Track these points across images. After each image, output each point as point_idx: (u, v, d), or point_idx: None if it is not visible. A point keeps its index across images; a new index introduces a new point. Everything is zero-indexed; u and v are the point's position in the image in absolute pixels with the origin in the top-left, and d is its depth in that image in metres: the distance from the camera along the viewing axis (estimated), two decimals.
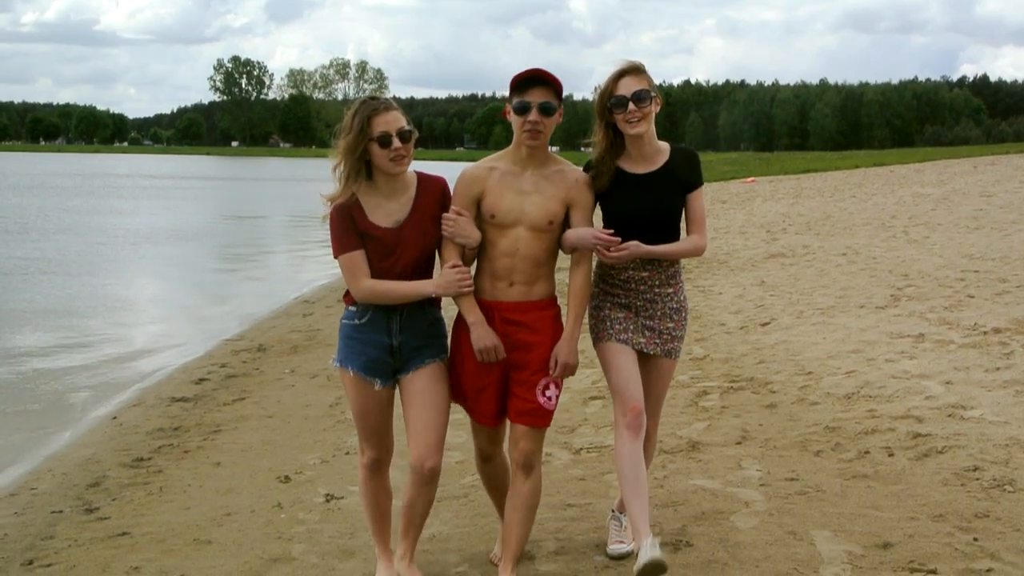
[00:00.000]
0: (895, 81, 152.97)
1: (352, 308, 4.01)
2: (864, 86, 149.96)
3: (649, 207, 4.05)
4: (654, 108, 4.00)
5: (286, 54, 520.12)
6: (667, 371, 4.25)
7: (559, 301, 4.13)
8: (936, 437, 5.82)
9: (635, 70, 3.98)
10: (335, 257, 3.95)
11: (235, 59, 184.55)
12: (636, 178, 4.07)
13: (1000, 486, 5.00)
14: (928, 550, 4.27)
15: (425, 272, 3.99)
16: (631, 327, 4.12)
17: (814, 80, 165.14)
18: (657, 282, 4.10)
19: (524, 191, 3.94)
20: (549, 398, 4.01)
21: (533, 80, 3.85)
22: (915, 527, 4.54)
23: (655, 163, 4.09)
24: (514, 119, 3.91)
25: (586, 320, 4.17)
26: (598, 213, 4.13)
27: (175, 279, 18.57)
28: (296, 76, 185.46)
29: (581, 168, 4.14)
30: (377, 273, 3.89)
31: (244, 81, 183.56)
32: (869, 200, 25.36)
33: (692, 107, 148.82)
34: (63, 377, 9.87)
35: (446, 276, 3.89)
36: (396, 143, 3.81)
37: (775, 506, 4.93)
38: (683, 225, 4.23)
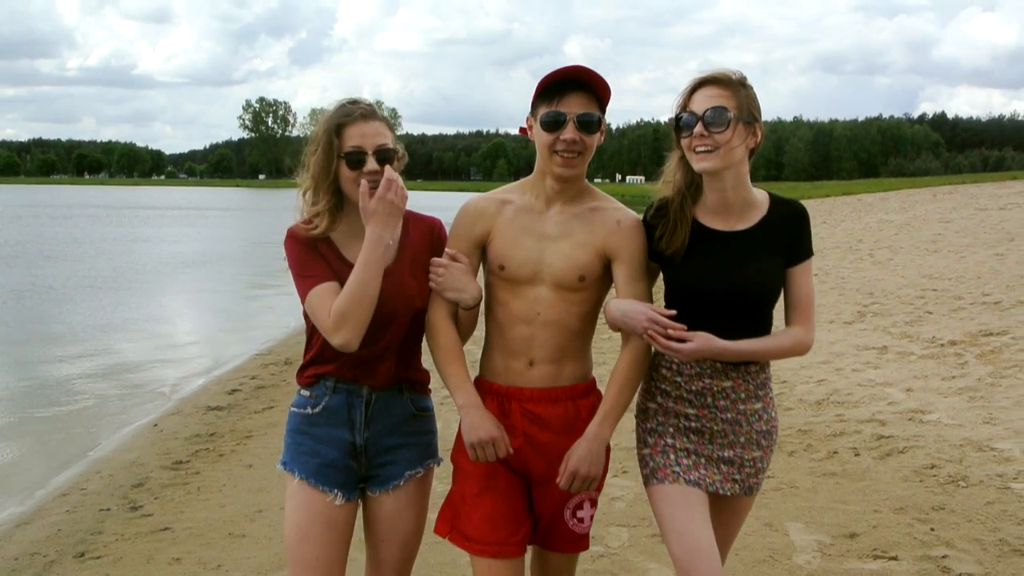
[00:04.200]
0: (861, 118, 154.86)
1: (304, 392, 2.65)
2: (833, 123, 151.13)
3: (731, 281, 2.56)
4: (738, 137, 2.48)
5: (308, 95, 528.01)
6: (743, 511, 2.79)
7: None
8: (898, 439, 5.88)
9: (716, 81, 2.51)
10: (303, 298, 2.54)
11: (261, 100, 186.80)
12: (715, 236, 2.59)
13: (955, 482, 5.06)
14: (890, 539, 4.33)
15: (415, 338, 2.67)
16: (703, 461, 2.63)
17: (788, 117, 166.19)
18: (743, 394, 2.62)
19: (546, 235, 2.57)
20: (582, 519, 2.67)
21: (569, 83, 2.47)
22: (878, 519, 4.60)
23: (746, 218, 2.61)
24: (540, 136, 2.51)
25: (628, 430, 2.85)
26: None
27: (206, 299, 18.57)
28: (317, 115, 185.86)
29: (630, 209, 2.68)
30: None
31: (270, 120, 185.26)
32: (839, 226, 25.41)
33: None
34: (106, 389, 9.90)
35: None
36: (371, 164, 2.47)
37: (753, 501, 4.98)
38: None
